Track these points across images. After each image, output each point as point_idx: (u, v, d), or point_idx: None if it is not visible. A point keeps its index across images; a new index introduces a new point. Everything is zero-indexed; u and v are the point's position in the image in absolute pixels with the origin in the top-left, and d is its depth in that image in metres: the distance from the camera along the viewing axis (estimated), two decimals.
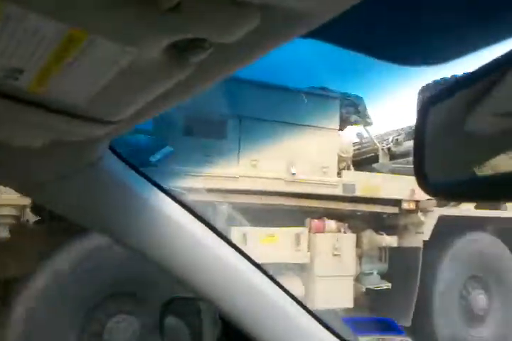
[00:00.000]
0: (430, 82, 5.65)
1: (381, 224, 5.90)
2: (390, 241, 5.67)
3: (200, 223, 0.88)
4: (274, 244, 5.00)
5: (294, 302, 0.95)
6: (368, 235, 5.72)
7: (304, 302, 0.96)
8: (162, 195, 0.86)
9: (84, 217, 0.86)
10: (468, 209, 5.98)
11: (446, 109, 0.45)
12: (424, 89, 5.77)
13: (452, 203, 6.03)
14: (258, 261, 0.94)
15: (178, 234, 0.85)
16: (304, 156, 5.16)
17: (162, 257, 0.85)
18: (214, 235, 0.89)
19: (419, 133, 0.45)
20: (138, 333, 4.03)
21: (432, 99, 0.49)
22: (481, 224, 6.05)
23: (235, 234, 4.69)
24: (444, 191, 0.46)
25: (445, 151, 0.45)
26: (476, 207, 6.05)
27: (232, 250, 0.91)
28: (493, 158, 0.40)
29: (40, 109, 0.52)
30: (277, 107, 5.03)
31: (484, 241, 5.96)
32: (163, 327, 1.23)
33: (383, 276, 5.70)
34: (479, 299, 5.73)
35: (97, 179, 0.81)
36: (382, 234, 5.71)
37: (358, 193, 5.42)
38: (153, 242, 0.84)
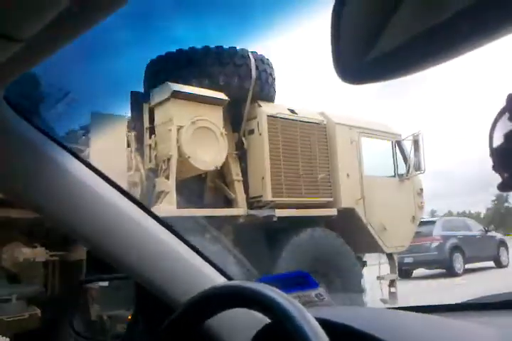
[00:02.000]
0: None
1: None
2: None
3: (100, 179, 0.88)
4: None
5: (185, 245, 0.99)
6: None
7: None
8: (62, 150, 0.85)
9: None
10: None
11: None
12: None
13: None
14: None
15: (78, 191, 0.84)
16: None
17: (62, 215, 0.84)
18: (116, 192, 0.90)
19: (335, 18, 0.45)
20: None
21: None
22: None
23: None
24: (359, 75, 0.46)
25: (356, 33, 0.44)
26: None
27: (132, 204, 0.92)
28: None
29: None
30: None
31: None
32: (74, 312, 1.21)
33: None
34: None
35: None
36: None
37: None
38: (52, 199, 0.83)
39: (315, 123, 6.78)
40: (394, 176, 7.74)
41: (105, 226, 0.86)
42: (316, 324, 0.64)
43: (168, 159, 5.40)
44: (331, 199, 6.77)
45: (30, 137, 0.80)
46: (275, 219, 6.07)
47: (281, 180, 6.21)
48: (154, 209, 4.96)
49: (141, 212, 0.93)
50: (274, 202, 6.12)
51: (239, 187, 6.14)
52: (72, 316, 1.20)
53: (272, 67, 6.56)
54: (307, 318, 0.64)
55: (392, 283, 7.56)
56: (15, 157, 0.79)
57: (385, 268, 7.66)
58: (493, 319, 0.96)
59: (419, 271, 13.47)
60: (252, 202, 6.20)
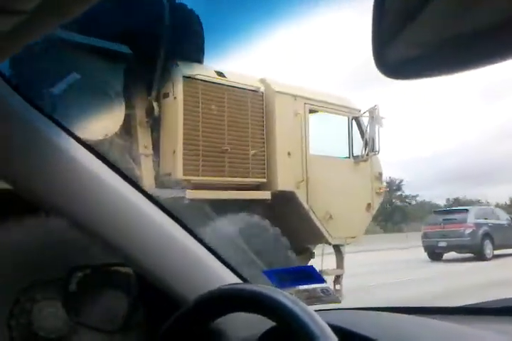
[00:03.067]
0: None
1: None
2: None
3: (104, 165, 0.83)
4: None
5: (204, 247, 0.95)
6: None
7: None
8: (64, 133, 0.81)
9: None
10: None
11: None
12: None
13: None
14: None
15: (80, 176, 0.79)
16: None
17: (60, 201, 0.80)
18: (120, 179, 0.85)
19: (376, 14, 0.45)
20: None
21: None
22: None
23: None
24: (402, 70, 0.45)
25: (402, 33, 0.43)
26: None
27: (140, 194, 0.87)
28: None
29: None
30: None
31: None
32: (69, 297, 1.14)
33: None
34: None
35: None
36: None
37: None
38: (51, 185, 0.79)
39: (250, 90, 5.71)
40: (348, 157, 6.72)
41: (113, 217, 0.84)
42: (329, 330, 0.65)
43: None
44: (263, 180, 5.76)
45: (28, 116, 0.78)
46: (186, 201, 5.05)
47: (198, 155, 5.18)
48: None
49: (151, 204, 0.89)
50: (186, 181, 5.10)
51: (146, 163, 5.11)
52: (69, 303, 1.15)
53: (200, 25, 5.45)
54: (319, 323, 0.65)
55: (337, 279, 6.60)
56: (11, 135, 0.77)
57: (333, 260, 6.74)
58: (492, 324, 0.98)
59: (449, 255, 14.49)
60: (163, 181, 5.19)
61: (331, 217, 6.31)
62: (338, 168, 6.49)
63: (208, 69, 5.50)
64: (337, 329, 0.70)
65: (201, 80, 5.27)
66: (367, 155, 6.62)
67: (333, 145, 6.76)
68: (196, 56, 5.47)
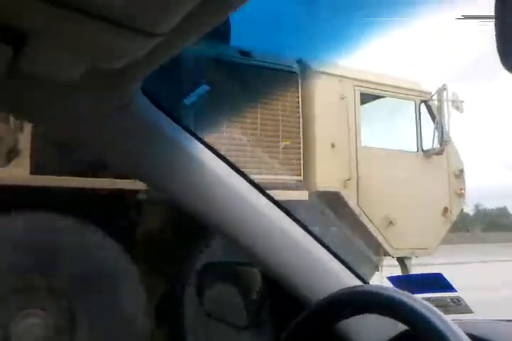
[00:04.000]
0: None
1: None
2: None
3: (232, 171, 0.88)
4: None
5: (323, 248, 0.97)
6: None
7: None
8: (195, 141, 0.86)
9: (116, 160, 0.86)
10: None
11: None
12: None
13: None
14: None
15: (211, 182, 0.85)
16: None
17: (195, 204, 0.86)
18: (247, 184, 0.90)
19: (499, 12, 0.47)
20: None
21: None
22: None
23: None
24: None
25: None
26: None
27: (264, 198, 0.91)
28: None
29: (82, 15, 0.49)
30: None
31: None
32: (202, 293, 1.21)
33: None
34: None
35: (129, 122, 0.80)
36: None
37: None
38: (187, 189, 0.85)
39: (282, 70, 4.83)
40: (416, 151, 5.52)
41: (242, 220, 0.88)
42: (465, 337, 0.64)
43: None
44: (299, 177, 4.82)
45: (165, 127, 0.83)
46: None
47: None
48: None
49: (276, 207, 0.93)
50: None
51: None
52: (202, 296, 1.22)
53: None
54: (455, 332, 0.64)
55: None
56: (151, 147, 0.82)
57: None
58: None
59: None
60: None
61: (391, 223, 5.18)
62: (401, 163, 5.33)
63: (229, 48, 4.73)
64: (474, 339, 0.70)
65: (225, 60, 4.50)
66: (441, 146, 5.39)
67: (396, 136, 5.60)
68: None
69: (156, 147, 0.83)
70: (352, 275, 1.00)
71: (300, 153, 4.82)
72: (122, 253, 3.88)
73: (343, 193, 4.95)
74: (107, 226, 3.82)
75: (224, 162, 0.89)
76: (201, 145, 0.88)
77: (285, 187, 4.73)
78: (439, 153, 5.46)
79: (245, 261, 1.05)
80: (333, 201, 4.97)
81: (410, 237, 5.29)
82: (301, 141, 4.82)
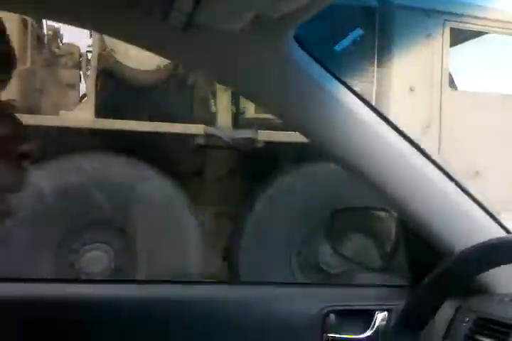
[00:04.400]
0: None
1: None
2: None
3: (379, 119, 0.89)
4: None
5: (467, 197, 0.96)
6: None
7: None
8: (344, 88, 0.88)
9: (268, 104, 0.91)
10: None
11: None
12: None
13: None
14: None
15: (359, 129, 0.87)
16: None
17: (343, 152, 0.88)
18: (393, 131, 0.91)
19: None
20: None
21: None
22: None
23: None
24: None
25: None
26: None
27: (408, 145, 0.92)
28: None
29: None
30: None
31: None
32: (333, 237, 1.25)
33: None
34: None
35: (283, 70, 0.84)
36: None
37: None
38: (335, 136, 0.87)
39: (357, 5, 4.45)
40: None
41: (385, 163, 0.90)
42: None
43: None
44: None
45: (316, 74, 0.86)
46: (259, 144, 4.31)
47: None
48: (68, 117, 4.00)
49: (416, 152, 0.93)
50: (259, 120, 4.33)
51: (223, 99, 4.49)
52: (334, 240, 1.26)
53: None
54: None
55: None
56: (303, 94, 0.85)
57: None
58: None
59: None
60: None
61: (477, 173, 4.74)
62: (497, 108, 4.74)
63: None
64: None
65: None
66: None
67: (498, 78, 4.93)
68: None
69: (308, 94, 0.85)
70: (496, 225, 0.99)
71: (372, 95, 4.54)
72: (183, 194, 4.12)
73: (422, 141, 4.61)
74: (166, 168, 4.09)
75: (372, 110, 0.90)
76: (349, 92, 0.89)
77: None
78: None
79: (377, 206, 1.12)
80: None
81: (499, 190, 4.80)
82: (374, 84, 4.52)
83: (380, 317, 1.06)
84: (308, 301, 1.11)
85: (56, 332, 1.00)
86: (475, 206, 0.97)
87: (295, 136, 4.29)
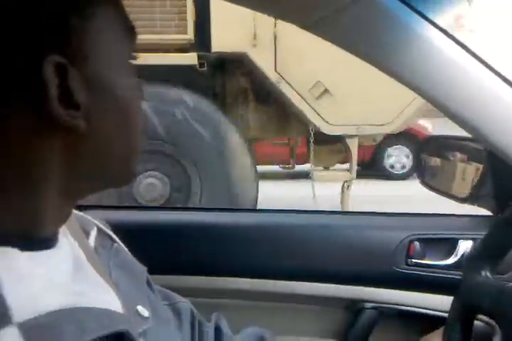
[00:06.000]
0: None
1: None
2: None
3: (466, 53, 0.83)
4: None
5: None
6: None
7: None
8: (435, 29, 0.84)
9: (357, 49, 0.86)
10: None
11: None
12: None
13: None
14: None
15: (450, 69, 0.82)
16: None
17: (434, 91, 0.83)
18: (485, 68, 0.82)
19: None
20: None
21: None
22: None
23: None
24: None
25: None
26: None
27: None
28: None
29: None
30: None
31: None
32: (421, 164, 1.31)
33: None
34: None
35: (370, 10, 0.82)
36: None
37: None
38: (425, 77, 0.83)
39: None
40: None
41: (466, 97, 0.81)
42: None
43: None
44: (187, 36, 3.89)
45: (398, 11, 0.81)
46: None
47: None
48: None
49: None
50: None
51: None
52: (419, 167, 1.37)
53: None
54: None
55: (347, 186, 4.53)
56: (387, 31, 0.83)
57: None
58: None
59: None
60: None
61: (326, 91, 4.10)
62: None
63: None
64: None
65: None
66: None
67: None
68: None
69: (394, 34, 0.82)
70: None
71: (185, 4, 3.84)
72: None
73: (250, 53, 3.94)
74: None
75: (459, 45, 0.85)
76: (433, 27, 0.84)
77: (167, 48, 3.89)
78: None
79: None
80: (239, 67, 4.03)
81: (357, 109, 4.16)
82: None
83: (463, 245, 1.12)
84: (394, 229, 1.19)
85: None
86: None
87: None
